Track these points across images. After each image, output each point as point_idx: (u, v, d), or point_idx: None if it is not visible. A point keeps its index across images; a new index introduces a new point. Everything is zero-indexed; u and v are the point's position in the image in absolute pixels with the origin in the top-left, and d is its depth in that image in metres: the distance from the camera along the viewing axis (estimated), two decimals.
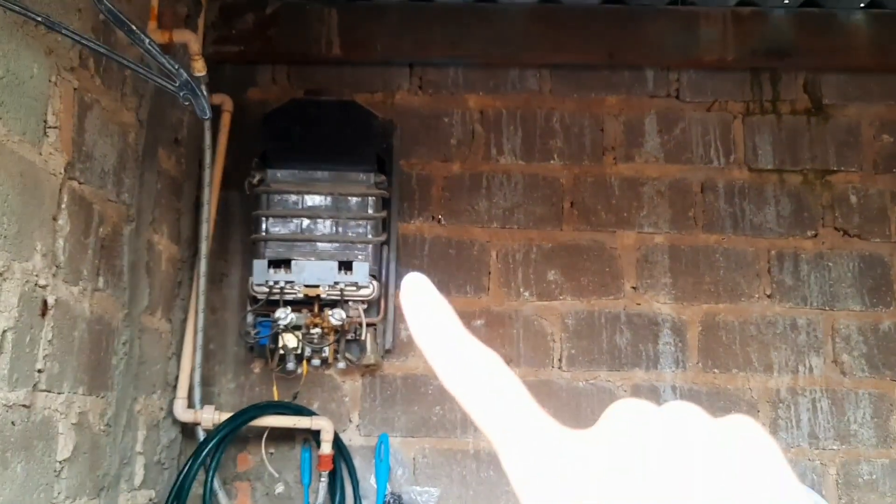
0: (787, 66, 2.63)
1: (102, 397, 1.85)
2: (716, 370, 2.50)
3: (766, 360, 2.50)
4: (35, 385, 1.54)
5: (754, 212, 2.60)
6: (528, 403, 0.32)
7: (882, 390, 2.49)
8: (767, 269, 2.56)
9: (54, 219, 1.60)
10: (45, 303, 1.56)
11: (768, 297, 2.54)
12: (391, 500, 2.39)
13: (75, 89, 1.66)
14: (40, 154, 1.54)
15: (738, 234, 2.58)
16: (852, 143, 2.64)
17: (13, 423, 1.46)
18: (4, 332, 1.42)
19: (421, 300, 0.35)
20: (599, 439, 0.30)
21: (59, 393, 1.63)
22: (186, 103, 1.31)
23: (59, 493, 1.65)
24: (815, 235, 2.58)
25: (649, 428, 0.29)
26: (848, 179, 2.62)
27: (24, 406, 1.50)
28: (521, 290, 2.54)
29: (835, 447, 2.45)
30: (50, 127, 1.57)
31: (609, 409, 0.31)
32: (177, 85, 1.30)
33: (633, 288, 2.55)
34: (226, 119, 2.46)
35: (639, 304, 2.54)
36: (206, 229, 2.31)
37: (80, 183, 1.70)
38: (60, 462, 1.65)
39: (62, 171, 1.62)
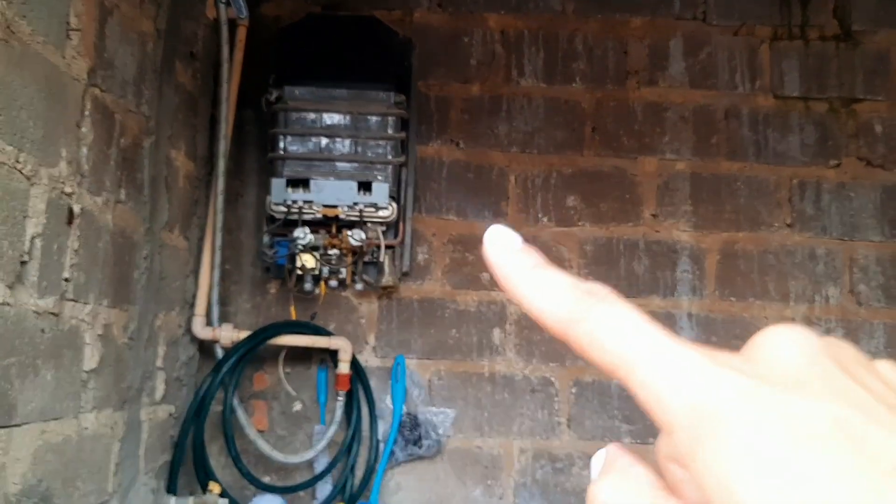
0: None
1: (126, 311, 1.83)
2: (732, 298, 2.50)
3: (783, 289, 2.50)
4: (63, 294, 1.52)
5: (778, 140, 2.56)
6: (657, 331, 0.28)
7: None
8: (789, 198, 2.54)
9: (78, 126, 1.56)
10: (70, 211, 1.53)
11: (788, 226, 2.53)
12: (407, 421, 2.41)
13: None
14: (63, 58, 1.49)
15: (761, 163, 2.55)
16: (880, 72, 2.59)
17: (43, 330, 1.45)
18: (33, 238, 1.40)
19: (507, 245, 0.32)
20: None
21: (85, 303, 1.62)
22: (224, 2, 1.26)
23: (86, 403, 1.65)
24: (839, 165, 2.55)
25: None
26: (874, 109, 2.58)
27: (52, 314, 1.48)
28: (540, 215, 2.52)
29: None
30: (72, 30, 1.51)
31: (761, 336, 0.28)
32: None
33: (653, 215, 2.53)
34: (241, 34, 2.38)
35: (658, 232, 2.52)
36: (224, 146, 2.27)
37: (101, 91, 1.65)
38: (87, 372, 1.65)
39: (85, 76, 1.57)
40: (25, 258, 1.37)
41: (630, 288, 2.50)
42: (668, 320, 2.48)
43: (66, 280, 1.53)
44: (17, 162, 1.32)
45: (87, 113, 1.58)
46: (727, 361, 0.26)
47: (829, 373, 0.26)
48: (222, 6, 2.00)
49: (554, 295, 0.30)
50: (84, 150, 1.58)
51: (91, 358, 1.66)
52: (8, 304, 1.32)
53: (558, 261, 2.50)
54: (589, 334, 0.28)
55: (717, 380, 0.25)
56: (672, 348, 0.27)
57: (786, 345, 0.27)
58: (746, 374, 0.25)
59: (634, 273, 2.51)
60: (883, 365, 0.29)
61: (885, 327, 2.49)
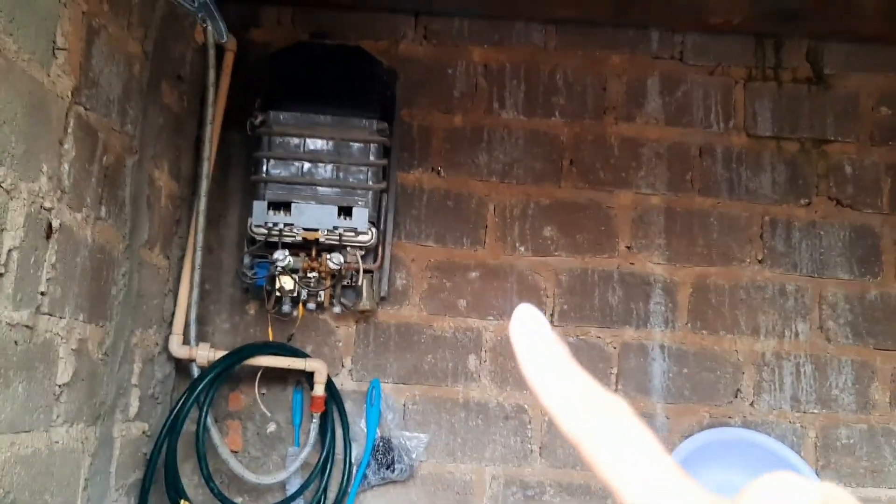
0: (794, 32, 2.64)
1: (101, 326, 1.85)
2: (704, 331, 2.54)
3: (753, 324, 2.55)
4: (38, 307, 1.54)
5: (750, 177, 2.62)
6: (665, 461, 0.29)
7: (864, 358, 2.54)
8: (760, 234, 2.59)
9: (60, 143, 1.60)
10: (49, 225, 1.56)
11: (759, 262, 2.58)
12: (381, 444, 2.42)
13: (84, 13, 1.65)
14: (48, 76, 1.53)
15: (734, 199, 2.61)
16: (851, 114, 2.66)
17: (16, 342, 1.47)
18: (10, 251, 1.42)
19: (534, 333, 0.32)
20: None
21: (60, 317, 1.64)
22: (204, 25, 1.31)
23: (57, 417, 1.66)
24: (809, 204, 2.61)
25: None
26: (844, 150, 2.65)
27: (27, 327, 1.50)
28: (517, 244, 2.56)
29: (815, 411, 2.51)
30: (59, 49, 1.55)
31: (757, 485, 0.28)
32: (195, 6, 1.30)
33: (628, 247, 2.58)
34: (229, 58, 2.43)
35: (632, 264, 2.57)
36: (207, 167, 2.31)
37: (86, 109, 1.69)
38: (60, 386, 1.66)
39: (69, 94, 1.61)
40: (1, 270, 1.39)
41: (604, 318, 2.54)
42: (640, 351, 2.52)
43: (42, 294, 1.56)
44: None
45: (69, 130, 1.62)
46: None
47: None
48: (210, 31, 2.05)
49: (571, 402, 0.30)
50: (66, 166, 1.62)
51: (64, 372, 1.68)
52: None
53: (534, 290, 2.54)
54: (592, 454, 0.29)
55: None
56: (662, 491, 0.28)
57: (779, 499, 0.27)
58: None
59: (608, 303, 2.55)
60: None
61: (853, 364, 2.54)
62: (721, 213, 2.60)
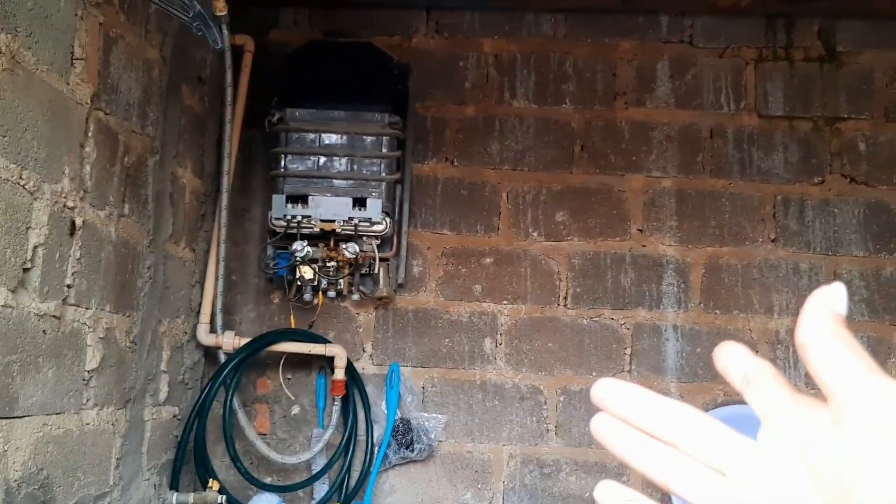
0: (803, 11, 2.64)
1: (128, 316, 1.98)
2: (717, 311, 2.57)
3: (767, 303, 2.57)
4: (65, 299, 1.67)
5: (762, 158, 2.64)
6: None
7: (881, 334, 2.54)
8: (773, 214, 2.61)
9: (81, 146, 1.72)
10: (73, 223, 1.68)
11: (772, 241, 2.60)
12: (400, 425, 2.52)
13: (101, 24, 1.76)
14: (67, 84, 1.65)
15: (746, 180, 2.63)
16: (864, 91, 2.65)
17: (44, 331, 1.60)
18: (35, 247, 1.55)
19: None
20: None
21: (87, 308, 1.77)
22: (199, 33, 1.41)
23: (87, 400, 1.79)
24: (822, 182, 2.62)
25: None
26: (858, 127, 2.64)
27: (54, 317, 1.63)
28: (530, 230, 2.63)
29: None
30: (77, 59, 1.67)
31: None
32: (190, 16, 1.40)
33: (640, 230, 2.62)
34: (247, 59, 2.55)
35: (644, 246, 2.61)
36: (228, 164, 2.42)
37: (105, 113, 1.81)
38: (89, 372, 1.79)
39: (88, 100, 1.73)
40: (28, 265, 1.52)
41: (617, 300, 2.59)
42: (653, 332, 2.57)
43: (69, 286, 1.68)
44: (21, 178, 1.47)
45: (90, 134, 1.74)
46: None
47: None
48: (226, 34, 2.14)
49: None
50: (87, 167, 1.74)
51: (92, 359, 1.81)
52: (10, 307, 1.47)
53: (548, 274, 2.60)
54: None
55: None
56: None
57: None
58: None
59: (621, 286, 2.59)
60: None
61: (870, 340, 2.54)
62: (733, 193, 2.62)
